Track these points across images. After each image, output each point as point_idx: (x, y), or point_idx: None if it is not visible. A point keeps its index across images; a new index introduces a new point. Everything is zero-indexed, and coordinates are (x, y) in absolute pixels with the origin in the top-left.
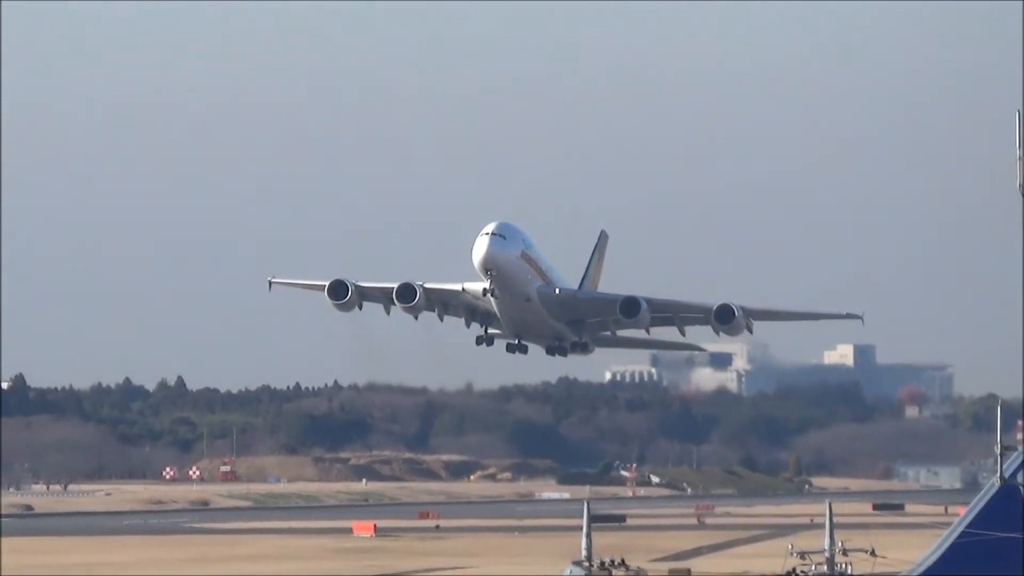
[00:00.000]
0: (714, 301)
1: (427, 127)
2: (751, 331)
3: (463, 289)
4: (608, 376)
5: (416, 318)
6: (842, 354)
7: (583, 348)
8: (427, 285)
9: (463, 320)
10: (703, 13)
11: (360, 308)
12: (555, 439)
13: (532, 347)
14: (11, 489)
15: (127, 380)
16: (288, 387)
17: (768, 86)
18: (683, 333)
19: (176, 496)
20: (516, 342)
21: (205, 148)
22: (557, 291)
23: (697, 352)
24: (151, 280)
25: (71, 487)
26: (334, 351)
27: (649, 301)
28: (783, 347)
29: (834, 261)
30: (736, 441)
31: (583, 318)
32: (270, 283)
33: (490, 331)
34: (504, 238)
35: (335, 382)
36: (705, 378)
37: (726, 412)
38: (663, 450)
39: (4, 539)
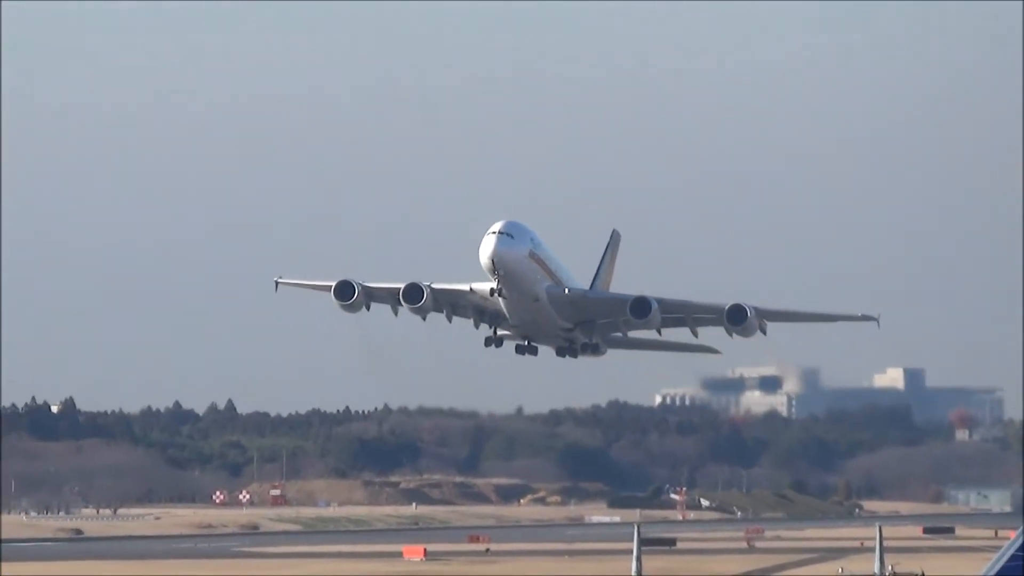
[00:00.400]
0: (727, 301)
1: (436, 125)
2: (764, 332)
3: (471, 289)
4: (658, 399)
5: (424, 319)
6: (892, 378)
7: (594, 349)
8: (434, 285)
9: (472, 321)
10: (716, 12)
11: (368, 309)
12: (605, 462)
13: (542, 349)
14: (61, 513)
15: (177, 404)
16: (338, 411)
17: (789, 85)
18: (695, 334)
19: (226, 520)
20: (525, 343)
21: (235, 168)
22: (566, 291)
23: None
24: (201, 304)
25: (121, 511)
26: (383, 374)
27: (660, 301)
28: (833, 371)
29: (882, 285)
30: (786, 464)
31: (593, 319)
32: (276, 283)
33: (499, 332)
34: (512, 237)
35: (385, 406)
36: (755, 402)
37: (776, 435)
38: (713, 473)
39: (55, 563)
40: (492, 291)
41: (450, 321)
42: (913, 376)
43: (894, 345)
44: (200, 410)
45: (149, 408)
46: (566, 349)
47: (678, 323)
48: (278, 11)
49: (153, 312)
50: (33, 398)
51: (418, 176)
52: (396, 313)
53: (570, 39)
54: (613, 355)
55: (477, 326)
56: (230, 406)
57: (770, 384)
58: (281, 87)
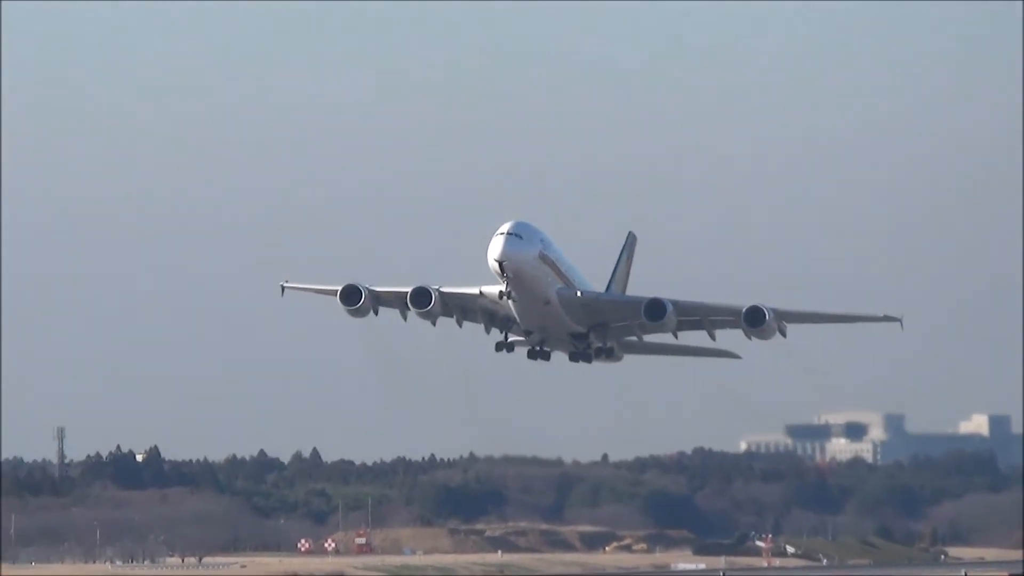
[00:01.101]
0: (745, 302)
1: (444, 126)
2: (784, 334)
3: (480, 293)
4: (743, 446)
5: (434, 324)
6: (977, 424)
7: (608, 354)
8: (443, 289)
9: (482, 326)
10: (734, 11)
11: (376, 314)
12: (691, 509)
13: (553, 354)
14: (146, 562)
15: (262, 452)
16: (423, 458)
17: (811, 81)
18: (713, 337)
19: (311, 568)
20: (538, 348)
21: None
22: (579, 293)
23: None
24: (284, 353)
25: (206, 560)
26: (469, 422)
27: (675, 303)
28: (918, 417)
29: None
30: (871, 511)
31: (607, 322)
32: (283, 288)
33: (510, 337)
34: (521, 238)
35: (470, 454)
36: (840, 448)
37: (861, 482)
38: (798, 520)
39: None
40: (501, 294)
41: (460, 326)
42: (998, 423)
43: (979, 392)
44: (285, 458)
45: (234, 456)
46: (579, 354)
47: (694, 326)
48: (280, 10)
49: (237, 360)
50: (118, 447)
51: (428, 177)
52: (405, 318)
53: (582, 35)
54: (695, 400)
55: (488, 331)
56: (315, 454)
57: (855, 431)
58: (281, 86)
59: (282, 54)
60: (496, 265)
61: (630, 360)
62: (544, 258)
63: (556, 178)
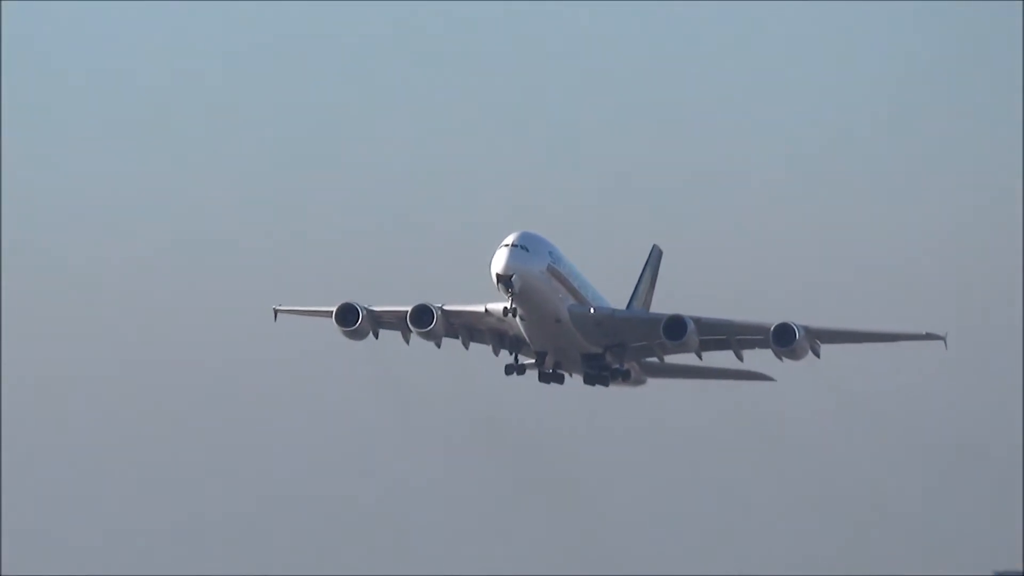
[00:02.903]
0: (773, 320)
1: (450, 136)
2: (818, 355)
3: (486, 310)
4: None
5: (438, 346)
6: None
7: (625, 376)
8: (446, 307)
9: (491, 348)
10: (736, 11)
11: (376, 337)
12: None
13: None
14: None
15: None
16: None
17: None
18: (740, 358)
19: None
20: (550, 371)
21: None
22: (592, 311)
23: None
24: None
25: None
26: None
27: (698, 321)
28: None
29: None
30: None
31: (624, 342)
32: (275, 312)
33: (521, 360)
34: (527, 250)
35: None
36: None
37: None
38: None
39: None
40: (505, 310)
41: (467, 348)
42: None
43: None
44: None
45: None
46: (595, 377)
47: (720, 346)
48: (281, 9)
49: None
50: None
51: (439, 191)
52: (407, 341)
53: (599, 41)
54: None
55: (496, 353)
56: None
57: None
58: (288, 84)
59: (281, 63)
60: (499, 280)
61: None
62: (553, 272)
63: (573, 187)
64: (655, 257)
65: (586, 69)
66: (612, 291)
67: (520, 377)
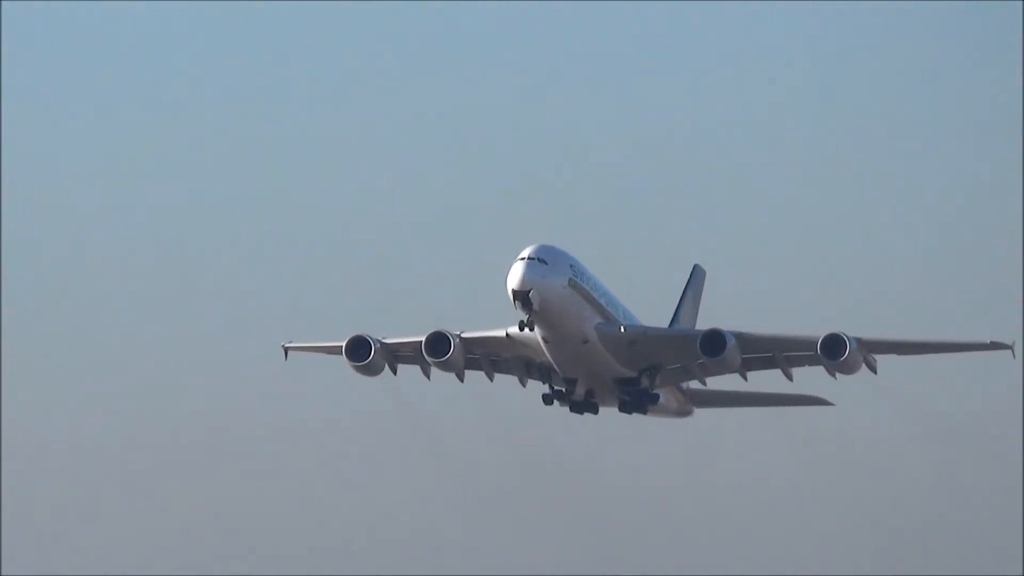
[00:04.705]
0: (821, 332)
1: (469, 148)
2: (874, 370)
3: (507, 335)
4: None
5: (461, 379)
6: None
7: (653, 400)
8: (465, 335)
9: (517, 379)
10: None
11: (394, 372)
12: None
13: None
14: None
15: None
16: None
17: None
18: (790, 377)
19: None
20: (582, 399)
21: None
22: (622, 329)
23: None
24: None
25: None
26: None
27: (739, 336)
28: None
29: None
30: None
31: (659, 363)
32: (285, 350)
33: (556, 389)
34: (545, 263)
35: None
36: None
37: None
38: None
39: None
40: (522, 324)
41: (491, 380)
42: None
43: None
44: None
45: None
46: (631, 404)
47: (767, 364)
48: (280, 9)
49: None
50: None
51: (463, 218)
52: (428, 375)
53: (618, 44)
54: None
55: (524, 383)
56: None
57: None
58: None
59: (293, 52)
60: (514, 295)
61: None
62: (576, 287)
63: (613, 204)
64: (697, 277)
65: (610, 77)
66: (649, 316)
67: (551, 408)
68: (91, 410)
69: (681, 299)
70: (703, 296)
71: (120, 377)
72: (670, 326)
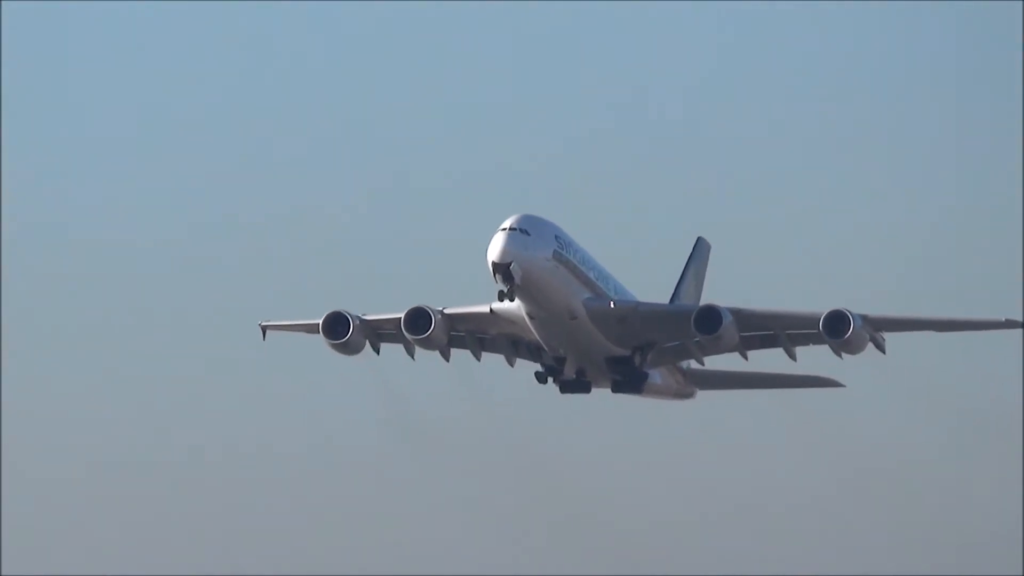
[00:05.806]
0: (825, 308)
1: (465, 123)
2: (883, 349)
3: (491, 311)
4: None
5: (446, 358)
6: None
7: (643, 379)
8: (447, 310)
9: (504, 358)
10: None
11: (377, 351)
12: None
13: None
14: None
15: None
16: None
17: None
18: (792, 356)
19: None
20: (573, 378)
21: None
22: (612, 304)
23: None
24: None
25: None
26: None
27: (736, 312)
28: None
29: None
30: None
31: (653, 340)
32: (263, 330)
33: (547, 365)
34: (527, 234)
35: None
36: None
37: None
38: None
39: None
40: (501, 294)
41: (478, 359)
42: None
43: None
44: None
45: None
46: (624, 383)
47: (767, 343)
48: (278, 10)
49: None
50: None
51: (451, 177)
52: (411, 354)
53: (620, 38)
54: None
55: (512, 363)
56: None
57: None
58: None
59: (284, 64)
60: (494, 267)
61: None
62: (560, 259)
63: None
64: (701, 252)
65: (598, 63)
66: (650, 293)
67: (544, 388)
68: (91, 410)
69: (683, 274)
70: (708, 272)
71: (119, 375)
72: (670, 303)
